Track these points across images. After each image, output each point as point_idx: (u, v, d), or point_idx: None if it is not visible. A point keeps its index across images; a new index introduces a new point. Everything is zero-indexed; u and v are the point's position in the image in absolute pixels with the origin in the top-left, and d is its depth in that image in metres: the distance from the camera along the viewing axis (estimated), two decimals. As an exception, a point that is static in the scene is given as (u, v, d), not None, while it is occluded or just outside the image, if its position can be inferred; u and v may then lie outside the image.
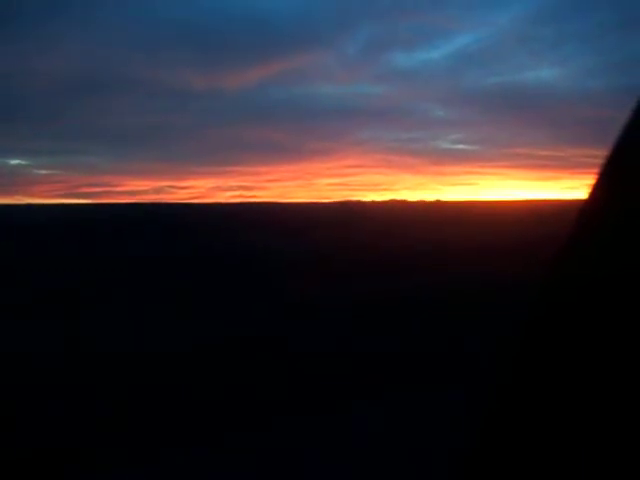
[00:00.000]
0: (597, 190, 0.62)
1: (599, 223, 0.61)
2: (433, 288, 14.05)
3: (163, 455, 5.25)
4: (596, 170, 0.65)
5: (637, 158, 0.59)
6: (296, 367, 7.87)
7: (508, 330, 0.82)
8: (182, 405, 6.40)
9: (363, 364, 7.87)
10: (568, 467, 0.61)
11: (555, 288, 0.65)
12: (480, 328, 8.92)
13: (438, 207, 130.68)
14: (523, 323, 0.67)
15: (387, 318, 10.94)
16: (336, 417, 6.09)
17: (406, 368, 7.73)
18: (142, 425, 5.94)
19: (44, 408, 6.39)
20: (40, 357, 8.38)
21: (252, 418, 6.00)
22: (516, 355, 0.68)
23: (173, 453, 5.24)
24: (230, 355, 8.50)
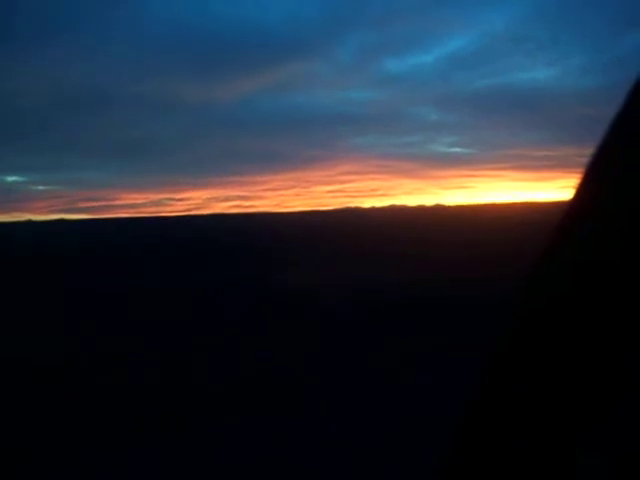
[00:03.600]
0: (581, 190, 0.66)
1: (583, 223, 0.65)
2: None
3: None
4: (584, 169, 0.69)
5: (622, 156, 0.63)
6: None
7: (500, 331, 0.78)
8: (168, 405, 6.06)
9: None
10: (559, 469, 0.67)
11: (535, 293, 0.70)
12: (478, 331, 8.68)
13: (440, 211, 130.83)
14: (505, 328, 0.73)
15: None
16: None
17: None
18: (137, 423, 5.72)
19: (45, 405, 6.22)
20: (50, 366, 8.05)
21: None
22: (499, 361, 0.71)
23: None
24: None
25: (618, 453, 0.66)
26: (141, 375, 7.68)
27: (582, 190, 0.66)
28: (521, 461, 0.70)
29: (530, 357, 0.69)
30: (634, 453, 0.65)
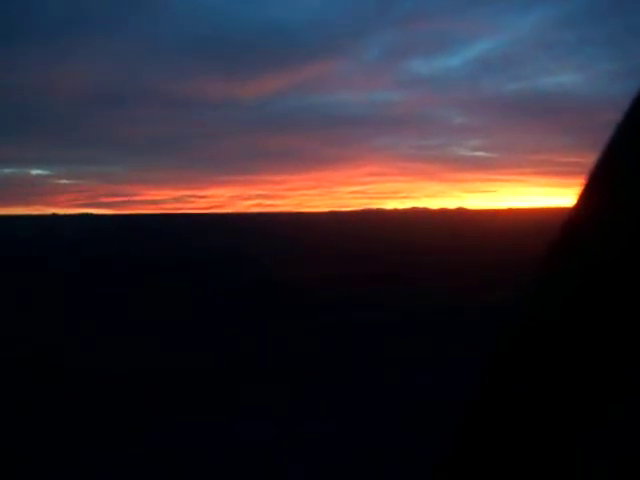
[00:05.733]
0: (584, 195, 0.65)
1: (585, 228, 0.66)
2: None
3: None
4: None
5: (625, 162, 0.63)
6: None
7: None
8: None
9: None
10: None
11: (532, 309, 0.71)
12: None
13: (462, 215, 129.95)
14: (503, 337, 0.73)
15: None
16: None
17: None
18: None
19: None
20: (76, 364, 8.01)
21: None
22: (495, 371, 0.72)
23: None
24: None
25: (618, 454, 0.67)
26: (141, 375, 7.71)
27: (585, 195, 0.66)
28: (521, 461, 0.69)
29: (530, 357, 0.69)
30: (634, 454, 0.66)
